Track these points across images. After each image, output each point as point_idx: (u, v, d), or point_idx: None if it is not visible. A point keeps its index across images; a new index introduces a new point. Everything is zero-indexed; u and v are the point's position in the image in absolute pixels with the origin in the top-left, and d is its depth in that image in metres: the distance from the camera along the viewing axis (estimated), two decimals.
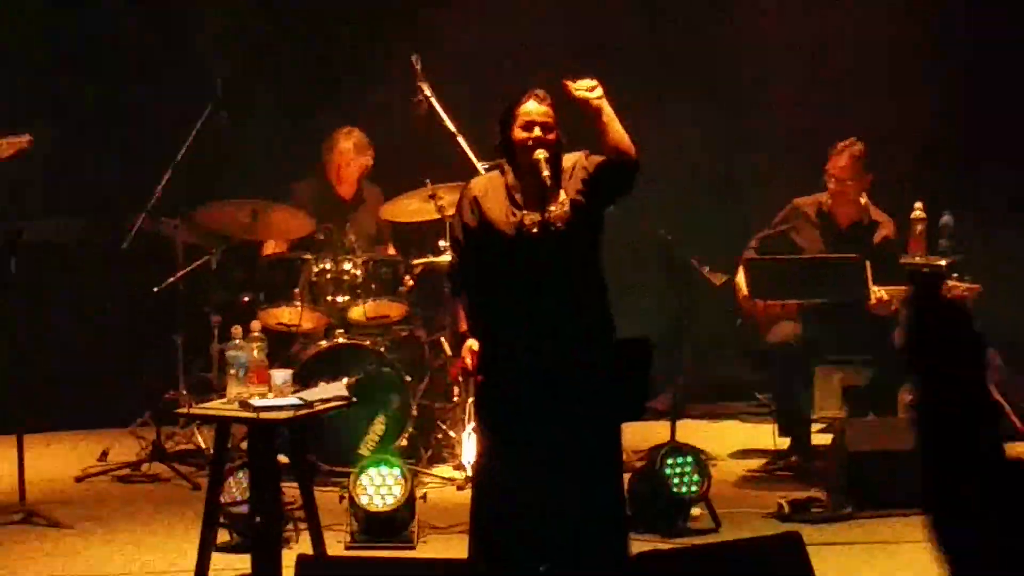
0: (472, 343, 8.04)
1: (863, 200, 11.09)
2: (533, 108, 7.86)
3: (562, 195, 7.84)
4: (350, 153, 11.47)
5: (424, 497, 9.87)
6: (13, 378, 10.16)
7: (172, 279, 11.11)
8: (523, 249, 7.81)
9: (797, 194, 11.12)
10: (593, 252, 7.94)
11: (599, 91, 7.71)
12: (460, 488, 10.20)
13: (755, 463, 11.26)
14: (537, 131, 7.74)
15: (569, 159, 7.86)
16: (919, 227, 11.07)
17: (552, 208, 7.81)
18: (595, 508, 7.87)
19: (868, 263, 10.61)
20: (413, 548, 9.28)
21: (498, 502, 7.94)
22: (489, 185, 8.02)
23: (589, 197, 7.83)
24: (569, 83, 7.66)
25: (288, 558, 7.94)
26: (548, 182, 7.69)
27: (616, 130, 7.76)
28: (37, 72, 11.94)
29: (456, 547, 8.73)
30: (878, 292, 10.58)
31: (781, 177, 11.98)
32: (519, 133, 7.81)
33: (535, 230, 7.81)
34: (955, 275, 10.87)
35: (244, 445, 8.77)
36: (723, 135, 12.96)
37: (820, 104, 12.71)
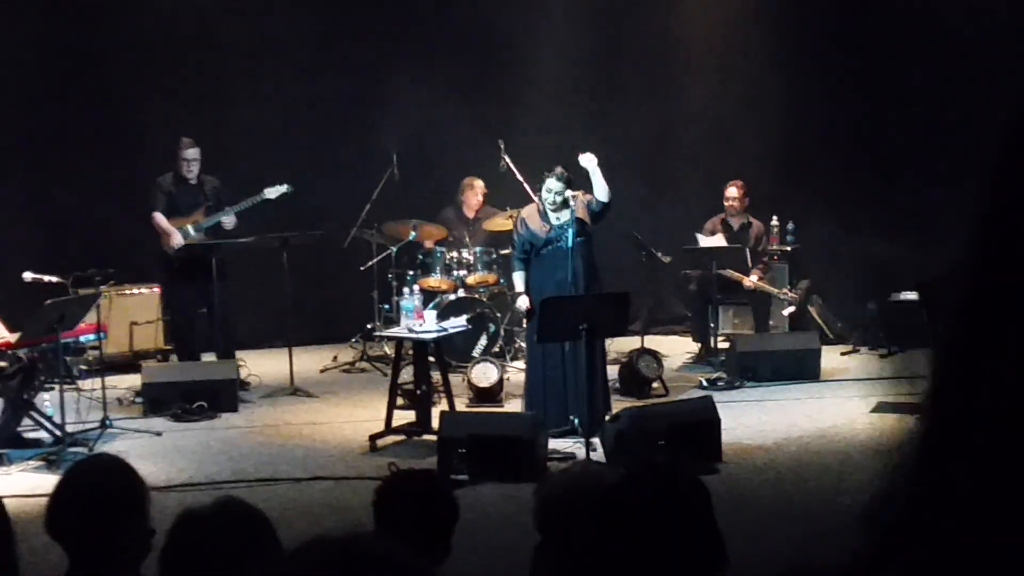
0: (525, 298, 8.30)
1: (745, 212, 11.07)
2: (549, 183, 8.14)
3: (567, 217, 8.16)
4: (475, 192, 11.38)
5: (508, 379, 9.87)
6: (286, 316, 10.25)
7: (371, 262, 11.09)
8: (549, 243, 8.11)
9: (707, 202, 11.21)
10: (588, 245, 8.22)
11: (594, 161, 7.94)
12: None
13: (686, 358, 11.09)
14: (550, 192, 8.11)
15: (577, 194, 8.12)
16: (775, 230, 11.27)
17: (565, 222, 8.14)
18: (592, 382, 8.03)
19: (747, 249, 10.70)
20: (502, 406, 9.29)
21: (541, 380, 8.21)
22: (531, 210, 8.31)
23: (584, 218, 8.11)
24: (580, 155, 7.93)
25: (434, 413, 8.19)
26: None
27: (600, 184, 8.02)
28: (281, 147, 11.88)
29: None
30: (748, 281, 10.69)
31: (700, 195, 11.84)
32: (544, 193, 8.10)
33: (555, 234, 8.18)
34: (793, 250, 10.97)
35: (410, 352, 8.75)
36: (661, 173, 12.68)
37: (719, 154, 12.13)
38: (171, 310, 10.67)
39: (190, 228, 10.10)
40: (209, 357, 10.18)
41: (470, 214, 11.43)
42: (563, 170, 8.18)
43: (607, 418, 7.80)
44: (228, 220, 10.15)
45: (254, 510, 2.86)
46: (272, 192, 10.22)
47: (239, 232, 10.27)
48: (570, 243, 8.08)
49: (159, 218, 10.13)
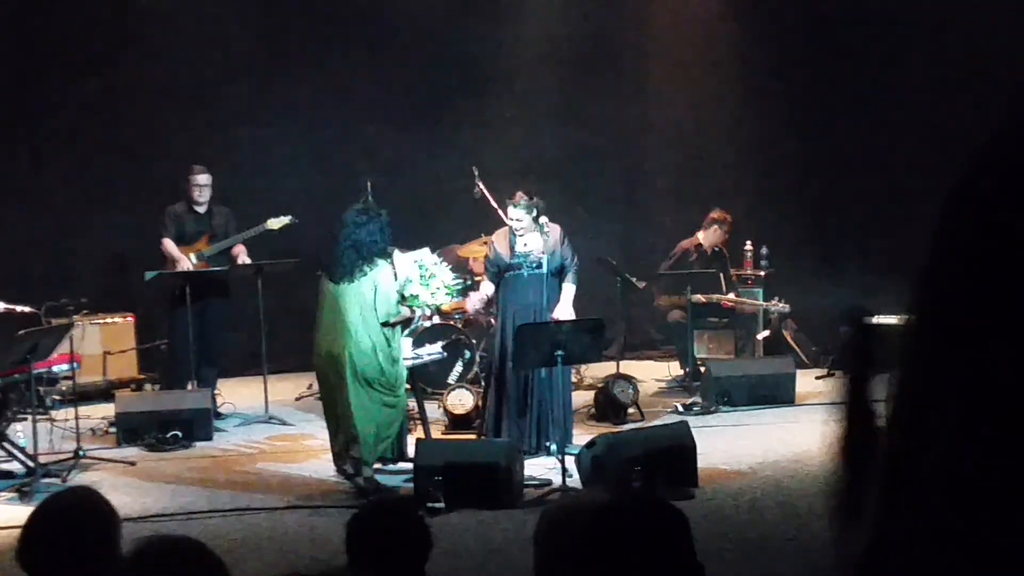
0: (489, 286, 8.62)
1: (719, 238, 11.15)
2: (511, 212, 8.27)
3: (539, 243, 8.19)
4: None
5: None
6: (261, 344, 10.20)
7: None
8: (511, 268, 8.25)
9: (681, 228, 11.26)
10: (552, 277, 8.32)
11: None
12: None
13: (661, 383, 11.10)
14: (515, 221, 8.29)
15: (554, 227, 8.21)
16: (748, 254, 11.29)
17: (532, 249, 8.19)
18: (558, 406, 8.09)
19: (721, 274, 10.75)
20: (478, 433, 9.01)
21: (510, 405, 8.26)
22: (502, 235, 8.40)
23: (550, 251, 8.19)
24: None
25: (410, 440, 8.16)
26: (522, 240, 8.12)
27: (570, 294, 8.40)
28: (256, 175, 11.84)
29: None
30: (723, 300, 10.74)
31: (674, 220, 11.90)
32: (508, 220, 8.30)
33: (516, 261, 8.25)
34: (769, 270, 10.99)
35: None
36: (635, 199, 12.83)
37: (693, 180, 12.32)
38: (171, 337, 10.45)
39: (192, 256, 10.08)
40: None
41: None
42: (523, 195, 8.29)
43: (585, 444, 7.79)
44: (238, 248, 10.16)
45: (205, 550, 2.78)
46: (275, 223, 10.16)
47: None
48: (545, 268, 8.17)
49: (167, 244, 10.08)
